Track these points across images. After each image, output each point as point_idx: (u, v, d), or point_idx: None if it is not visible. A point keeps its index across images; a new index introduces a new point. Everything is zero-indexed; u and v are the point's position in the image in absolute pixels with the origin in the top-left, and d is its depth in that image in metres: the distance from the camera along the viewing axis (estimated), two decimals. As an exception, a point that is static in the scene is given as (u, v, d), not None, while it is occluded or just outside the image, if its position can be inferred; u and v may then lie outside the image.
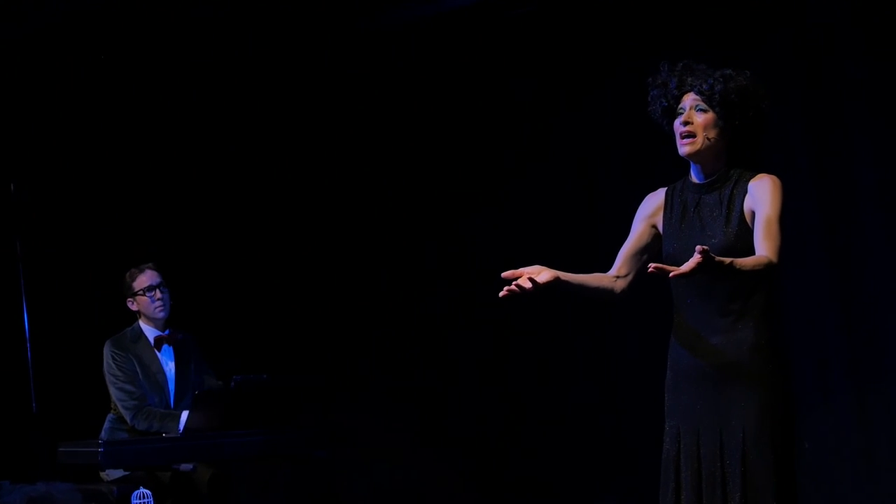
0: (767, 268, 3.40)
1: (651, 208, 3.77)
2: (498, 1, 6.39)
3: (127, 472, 5.33)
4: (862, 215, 5.57)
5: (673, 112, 3.65)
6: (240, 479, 5.56)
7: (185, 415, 5.32)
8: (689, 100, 3.62)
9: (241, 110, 7.04)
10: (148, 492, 5.09)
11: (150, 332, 5.64)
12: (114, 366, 5.53)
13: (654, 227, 3.75)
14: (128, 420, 5.46)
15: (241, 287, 6.99)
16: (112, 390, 5.53)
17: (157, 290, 5.61)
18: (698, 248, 3.23)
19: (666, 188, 3.76)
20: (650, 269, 3.31)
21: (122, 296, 5.66)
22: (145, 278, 5.62)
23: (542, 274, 3.47)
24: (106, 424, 5.56)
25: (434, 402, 6.91)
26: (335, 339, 7.05)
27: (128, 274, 5.66)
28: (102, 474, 5.42)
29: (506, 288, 3.42)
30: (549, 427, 6.55)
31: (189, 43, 6.64)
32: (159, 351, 5.62)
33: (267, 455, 5.45)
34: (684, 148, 3.61)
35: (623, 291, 3.73)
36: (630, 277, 3.74)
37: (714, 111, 3.60)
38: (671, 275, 3.27)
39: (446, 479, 6.81)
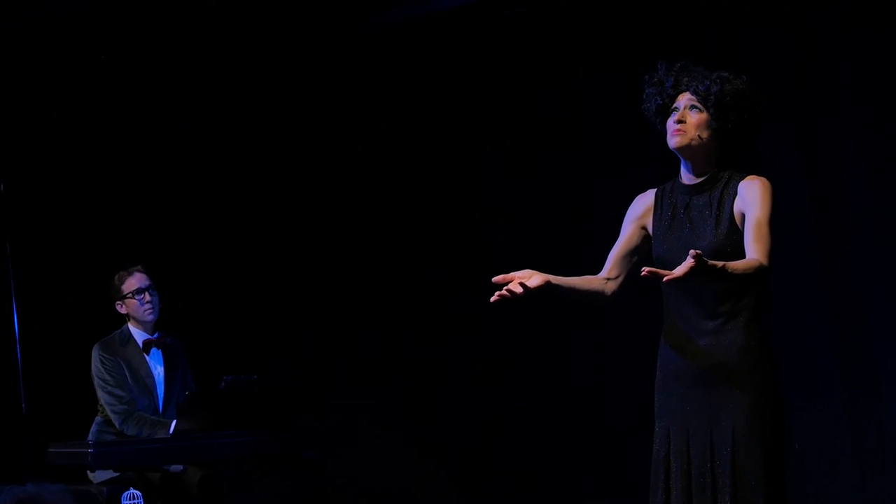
0: (759, 271, 3.41)
1: (641, 210, 3.77)
2: (493, 1, 6.39)
3: (115, 474, 5.32)
4: (852, 217, 5.58)
5: (667, 110, 3.65)
6: (230, 481, 5.54)
7: (174, 423, 5.31)
8: (685, 99, 3.63)
9: (232, 112, 7.03)
10: (138, 493, 5.08)
11: (138, 335, 5.61)
12: (102, 370, 5.50)
13: (644, 228, 3.75)
14: (117, 425, 5.43)
15: (231, 288, 6.98)
16: (101, 394, 5.50)
17: (147, 293, 5.57)
18: (691, 252, 3.23)
19: (655, 189, 3.76)
20: (643, 273, 3.32)
21: (110, 299, 5.64)
22: (134, 281, 5.59)
23: (533, 278, 3.47)
24: (93, 427, 5.53)
25: (426, 402, 6.91)
26: (326, 340, 7.05)
27: (116, 277, 5.62)
28: (90, 476, 5.40)
29: (497, 293, 3.42)
30: (539, 428, 6.55)
31: (181, 44, 6.63)
32: (148, 354, 5.59)
33: (257, 456, 5.44)
34: (674, 139, 3.62)
35: (614, 293, 3.74)
36: (621, 279, 3.74)
37: (708, 112, 3.60)
38: (664, 279, 3.27)
39: (438, 480, 6.81)
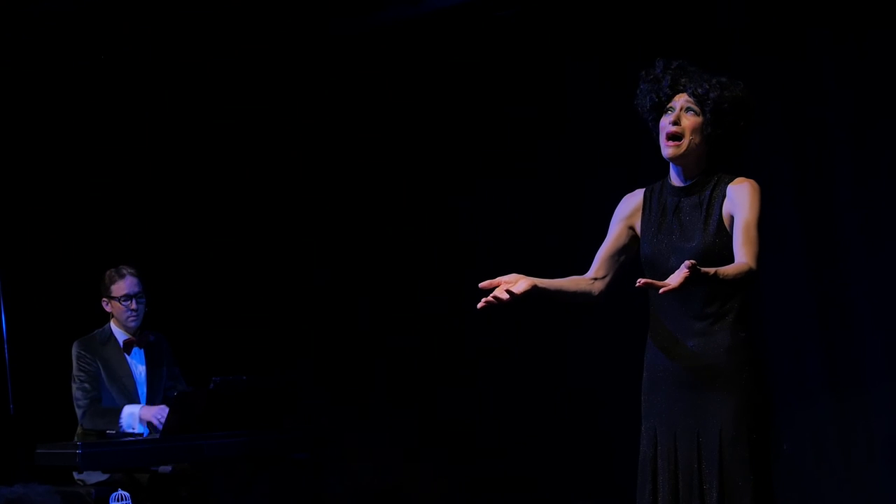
0: (749, 275, 3.40)
1: (629, 209, 3.77)
2: (483, 2, 6.38)
3: (102, 478, 5.30)
4: (840, 220, 5.58)
5: (661, 108, 3.64)
6: (219, 481, 5.54)
7: (126, 408, 5.30)
8: (681, 100, 3.62)
9: (218, 112, 7.02)
10: (126, 494, 5.07)
11: (120, 334, 5.59)
12: (77, 366, 5.50)
13: (632, 228, 3.75)
14: (78, 418, 5.43)
15: (220, 287, 6.97)
16: (73, 389, 5.49)
17: (134, 301, 5.54)
18: (687, 262, 3.22)
19: (644, 189, 3.76)
20: (639, 284, 3.30)
21: (98, 293, 5.61)
22: (124, 286, 5.54)
23: (519, 283, 3.46)
24: (79, 429, 5.53)
25: (415, 403, 6.90)
26: (317, 341, 7.04)
27: (107, 275, 5.58)
28: (78, 478, 5.38)
29: (483, 300, 3.42)
30: (527, 429, 6.55)
31: (163, 46, 6.62)
32: (129, 354, 5.57)
33: (246, 457, 5.44)
34: (669, 150, 3.61)
35: (601, 293, 3.73)
36: (608, 279, 3.74)
37: (704, 116, 3.59)
38: (661, 291, 3.25)
39: (426, 480, 6.80)
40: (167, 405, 5.39)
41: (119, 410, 5.35)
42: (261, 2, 6.41)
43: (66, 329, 5.89)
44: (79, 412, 5.45)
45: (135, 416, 5.34)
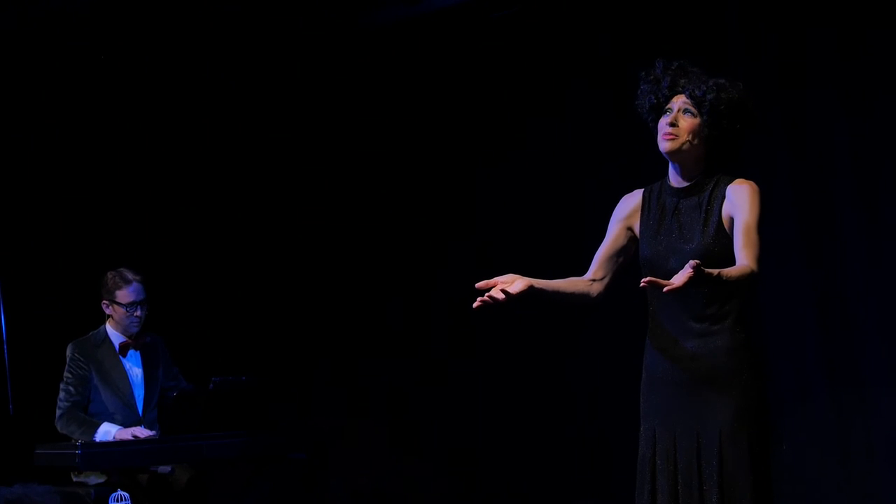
0: (751, 276, 3.40)
1: (627, 210, 3.76)
2: (483, 2, 6.38)
3: (100, 480, 5.29)
4: (838, 219, 5.59)
5: (660, 110, 3.64)
6: (218, 482, 5.54)
7: (104, 426, 5.30)
8: (679, 102, 3.62)
9: (218, 111, 7.02)
10: (126, 494, 5.06)
11: (116, 337, 5.55)
12: (68, 366, 5.49)
13: (631, 229, 3.74)
14: (56, 419, 5.41)
15: (219, 287, 6.96)
16: (59, 389, 5.49)
17: (139, 308, 5.50)
18: (691, 262, 3.22)
19: (642, 190, 3.75)
20: (643, 284, 3.30)
21: (98, 293, 5.58)
22: (130, 293, 5.49)
23: (516, 283, 3.46)
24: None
25: (412, 405, 6.90)
26: (316, 341, 7.03)
27: (110, 278, 5.53)
28: (77, 479, 5.37)
29: (479, 299, 3.41)
30: (525, 430, 6.55)
31: (172, 42, 6.62)
32: (125, 357, 5.55)
33: (245, 457, 5.43)
34: (665, 143, 3.61)
35: (600, 294, 3.73)
36: (606, 280, 3.73)
37: (701, 118, 3.59)
38: (665, 289, 3.24)
39: (423, 481, 6.80)
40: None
41: (96, 426, 5.32)
42: (256, 2, 6.41)
43: (65, 330, 5.88)
44: (57, 412, 5.42)
45: (110, 435, 5.30)
